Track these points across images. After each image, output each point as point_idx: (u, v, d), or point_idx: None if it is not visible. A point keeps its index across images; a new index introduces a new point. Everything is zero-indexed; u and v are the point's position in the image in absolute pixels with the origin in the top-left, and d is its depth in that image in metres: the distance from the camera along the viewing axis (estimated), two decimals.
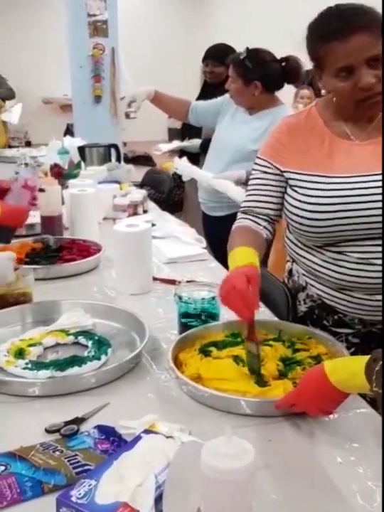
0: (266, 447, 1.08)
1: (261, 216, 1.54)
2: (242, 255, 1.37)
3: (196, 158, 3.29)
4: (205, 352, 1.36)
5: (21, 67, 8.42)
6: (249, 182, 1.60)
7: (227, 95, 2.81)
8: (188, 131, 3.68)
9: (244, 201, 1.58)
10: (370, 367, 0.99)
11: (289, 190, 1.49)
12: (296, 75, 2.59)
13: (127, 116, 3.04)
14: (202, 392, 1.20)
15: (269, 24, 7.05)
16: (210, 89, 3.35)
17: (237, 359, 1.32)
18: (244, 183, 2.55)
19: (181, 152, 3.60)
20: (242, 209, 1.58)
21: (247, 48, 2.62)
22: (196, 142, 3.46)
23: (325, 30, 1.32)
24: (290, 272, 1.66)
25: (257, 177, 1.57)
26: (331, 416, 1.15)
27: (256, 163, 1.58)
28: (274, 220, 1.56)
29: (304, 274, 1.56)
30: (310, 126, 1.48)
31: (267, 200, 1.53)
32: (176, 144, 3.65)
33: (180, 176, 2.82)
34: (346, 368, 1.08)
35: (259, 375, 1.26)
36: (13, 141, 7.73)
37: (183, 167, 2.64)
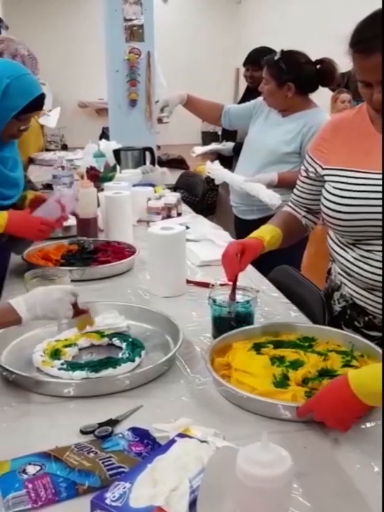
0: (302, 455, 1.06)
1: (302, 207, 1.66)
2: (259, 231, 1.57)
3: (229, 161, 3.28)
4: (258, 347, 1.37)
5: (58, 72, 8.52)
6: (299, 176, 1.65)
7: (260, 98, 2.80)
8: (226, 133, 3.67)
9: (292, 194, 1.68)
10: None
11: (326, 186, 1.50)
12: (330, 77, 2.56)
13: (160, 120, 3.07)
14: (239, 393, 1.19)
15: (305, 27, 6.99)
16: (251, 94, 3.34)
17: (273, 359, 1.32)
18: (276, 186, 2.54)
19: (217, 155, 3.61)
20: (289, 202, 1.70)
21: (282, 50, 2.60)
22: (230, 145, 3.45)
23: (353, 40, 1.30)
24: (329, 270, 1.65)
25: (302, 173, 1.63)
26: (368, 424, 1.13)
27: (305, 159, 1.63)
28: (315, 212, 1.65)
29: (339, 273, 1.55)
30: (356, 122, 1.48)
31: (309, 198, 1.62)
32: (211, 146, 3.65)
33: (213, 179, 2.82)
34: (368, 372, 1.07)
35: (223, 332, 1.41)
36: (49, 144, 7.83)
37: (215, 170, 2.63)
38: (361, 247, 1.43)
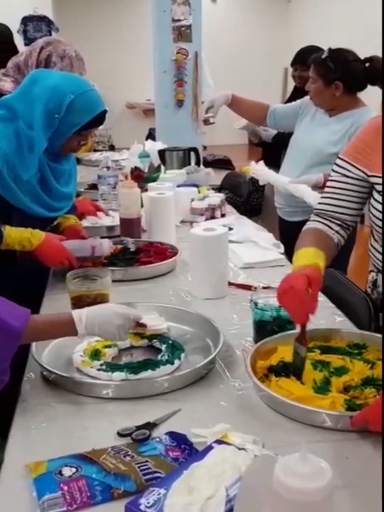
0: (344, 465, 1.03)
1: (334, 220, 1.49)
2: (307, 255, 1.34)
3: (276, 162, 3.24)
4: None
5: (107, 73, 8.62)
6: (328, 183, 1.54)
7: (306, 98, 2.76)
8: None
9: (320, 203, 1.53)
10: None
11: (375, 195, 1.43)
12: (379, 75, 2.48)
13: (206, 121, 3.05)
14: (279, 399, 1.16)
15: (355, 26, 6.86)
16: (299, 94, 3.29)
17: (317, 363, 1.29)
18: (321, 187, 2.49)
19: (263, 150, 3.55)
20: (315, 211, 1.53)
21: (330, 48, 2.55)
22: (271, 132, 3.39)
23: None
24: (374, 282, 1.59)
25: (335, 179, 1.51)
26: None
27: (337, 164, 1.52)
28: (348, 226, 1.50)
29: None
30: None
31: (344, 205, 1.48)
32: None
33: (258, 180, 2.78)
34: None
35: (300, 378, 1.23)
36: (97, 145, 7.92)
37: (260, 171, 2.60)
38: None
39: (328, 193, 1.52)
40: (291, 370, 1.25)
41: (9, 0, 6.94)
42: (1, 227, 1.72)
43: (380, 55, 2.40)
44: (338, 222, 1.49)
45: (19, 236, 1.75)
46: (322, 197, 1.53)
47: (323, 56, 2.53)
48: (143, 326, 1.39)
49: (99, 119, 1.82)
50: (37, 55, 2.26)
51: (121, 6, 8.75)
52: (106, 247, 1.94)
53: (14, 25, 6.41)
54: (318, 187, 2.48)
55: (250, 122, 3.28)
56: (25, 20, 7.01)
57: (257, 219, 3.89)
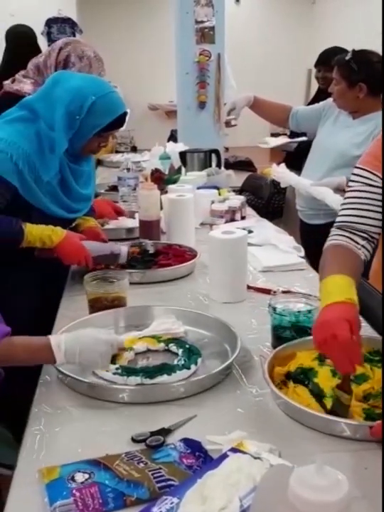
0: (363, 476, 1.00)
1: (359, 233, 1.37)
2: (338, 287, 1.21)
3: (298, 164, 3.21)
4: (324, 357, 1.29)
5: (129, 74, 8.64)
6: (346, 194, 1.44)
7: (329, 100, 2.72)
8: (294, 136, 3.59)
9: (341, 216, 1.42)
10: None
11: None
12: None
13: (228, 123, 3.04)
14: (297, 408, 1.13)
15: (378, 28, 6.78)
16: (323, 96, 3.27)
17: (335, 370, 1.24)
18: (343, 190, 2.45)
19: (286, 154, 3.53)
20: (337, 224, 1.42)
21: (353, 50, 2.52)
22: (292, 144, 3.37)
23: None
24: None
25: (356, 189, 1.40)
26: None
27: (355, 174, 1.42)
28: (373, 238, 1.39)
29: None
30: None
31: (368, 216, 1.37)
32: (283, 139, 3.52)
33: (279, 182, 2.76)
34: None
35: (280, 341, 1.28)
36: (119, 146, 7.93)
37: (281, 173, 2.57)
38: None
39: (349, 203, 1.41)
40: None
41: (34, 2, 7.00)
42: (22, 224, 1.73)
43: None
44: (363, 234, 1.37)
45: (40, 233, 1.75)
46: (343, 209, 1.43)
47: (347, 57, 2.50)
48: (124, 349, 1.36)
49: (120, 120, 1.82)
50: (56, 55, 2.26)
51: (145, 7, 8.76)
52: (124, 254, 1.94)
53: (38, 27, 6.47)
54: (341, 190, 2.44)
55: (274, 124, 3.25)
56: (50, 22, 7.04)
57: (278, 221, 3.85)
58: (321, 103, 2.81)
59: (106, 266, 1.91)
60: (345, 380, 1.16)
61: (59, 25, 6.99)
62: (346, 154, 2.53)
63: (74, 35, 6.99)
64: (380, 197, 1.38)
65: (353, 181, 1.42)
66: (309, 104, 3.45)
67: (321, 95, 3.39)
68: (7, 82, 2.31)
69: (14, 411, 1.44)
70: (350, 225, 1.38)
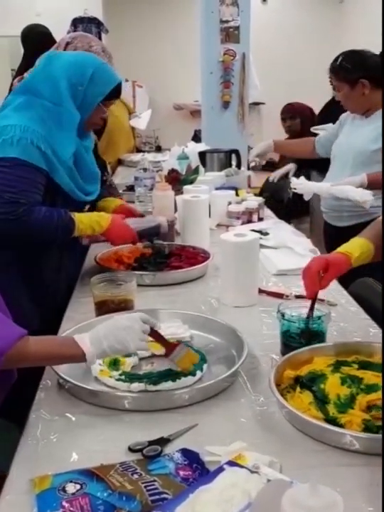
0: (366, 493, 0.95)
1: None
2: (349, 245, 1.46)
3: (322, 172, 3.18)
4: (339, 364, 1.27)
5: (155, 74, 8.63)
6: None
7: (343, 115, 2.76)
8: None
9: None
10: None
11: None
12: None
13: (252, 167, 3.12)
14: (302, 418, 1.08)
15: None
16: (335, 105, 3.25)
17: (346, 379, 1.21)
18: (366, 188, 2.40)
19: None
20: None
21: (343, 52, 2.55)
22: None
23: None
24: None
25: None
26: None
27: None
28: None
29: None
30: None
31: None
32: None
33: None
34: None
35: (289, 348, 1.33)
36: (144, 145, 7.94)
37: (300, 185, 2.53)
38: None
39: None
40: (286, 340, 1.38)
41: (60, 2, 7.03)
42: (71, 214, 1.77)
43: None
44: None
45: (89, 220, 1.81)
46: None
47: (338, 61, 2.52)
48: (175, 345, 1.31)
49: (118, 91, 1.87)
50: (63, 50, 2.25)
51: (170, 7, 8.74)
52: (164, 224, 2.06)
53: (64, 27, 6.50)
54: (363, 188, 2.39)
55: (302, 157, 3.31)
56: (75, 22, 7.05)
57: (300, 222, 3.80)
58: (337, 123, 2.84)
59: (150, 240, 2.04)
60: (311, 308, 1.39)
61: (85, 25, 7.01)
62: (365, 151, 2.51)
63: (100, 35, 7.00)
64: None
65: None
66: (321, 112, 3.66)
67: (333, 105, 3.37)
68: (16, 81, 2.31)
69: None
70: None
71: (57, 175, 1.75)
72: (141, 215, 2.11)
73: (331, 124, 3.50)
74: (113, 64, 2.31)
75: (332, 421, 1.09)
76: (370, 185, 2.39)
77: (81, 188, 1.85)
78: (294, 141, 3.26)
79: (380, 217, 1.57)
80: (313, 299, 1.39)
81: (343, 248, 1.45)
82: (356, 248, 1.44)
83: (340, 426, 1.08)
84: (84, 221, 1.78)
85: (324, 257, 1.43)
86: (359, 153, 2.52)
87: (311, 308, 1.39)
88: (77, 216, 1.78)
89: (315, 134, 3.24)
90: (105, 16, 7.63)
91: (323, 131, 3.06)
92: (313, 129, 3.60)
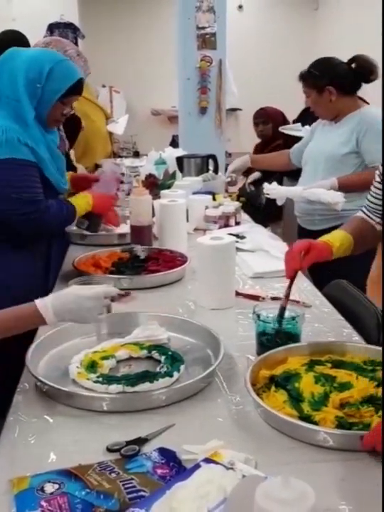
0: (337, 488, 0.97)
1: (376, 213, 1.59)
2: (330, 236, 1.52)
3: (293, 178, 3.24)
4: (313, 363, 1.30)
5: (132, 80, 8.65)
6: (376, 178, 1.59)
7: (314, 123, 2.84)
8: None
9: (367, 199, 1.63)
10: None
11: None
12: (368, 72, 2.51)
13: (228, 182, 3.20)
14: (277, 416, 1.11)
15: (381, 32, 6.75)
16: (307, 112, 3.34)
17: (320, 377, 1.24)
18: (337, 191, 2.45)
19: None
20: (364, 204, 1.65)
21: (314, 61, 2.62)
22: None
23: None
24: None
25: (377, 180, 1.59)
26: None
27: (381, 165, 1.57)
28: None
29: None
30: None
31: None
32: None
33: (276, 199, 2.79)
34: None
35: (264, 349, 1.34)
36: (121, 151, 7.94)
37: (273, 190, 2.58)
38: None
39: (372, 189, 1.61)
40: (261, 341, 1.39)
41: (36, 7, 7.01)
42: (70, 202, 1.95)
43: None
44: (380, 215, 1.58)
45: (80, 202, 1.99)
46: (369, 193, 1.63)
47: (307, 68, 2.60)
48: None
49: (79, 88, 1.91)
50: None
51: (148, 13, 8.77)
52: (115, 168, 2.31)
53: (40, 32, 6.48)
54: (336, 191, 2.44)
55: (278, 170, 3.42)
56: (52, 27, 7.04)
57: (276, 226, 3.84)
58: (309, 129, 2.94)
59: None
60: (288, 286, 1.44)
61: (61, 30, 7.00)
62: (334, 155, 2.56)
63: (76, 40, 7.00)
64: None
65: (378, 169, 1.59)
66: (297, 118, 3.80)
67: (308, 111, 3.45)
68: None
69: None
70: (369, 208, 1.63)
71: (46, 167, 1.83)
72: (96, 179, 2.22)
73: (299, 125, 3.61)
74: (89, 68, 2.33)
75: (306, 418, 1.11)
76: (340, 189, 2.45)
77: (60, 179, 1.94)
78: (269, 155, 3.35)
79: (358, 213, 1.65)
80: (292, 278, 1.44)
81: (324, 238, 1.51)
82: (337, 239, 1.50)
83: (315, 423, 1.10)
84: (79, 204, 1.97)
85: (307, 240, 1.47)
86: (330, 157, 2.57)
87: (290, 287, 1.43)
88: (73, 200, 1.97)
89: (287, 137, 3.29)
90: (82, 21, 7.63)
91: (296, 145, 3.11)
92: (281, 129, 3.71)
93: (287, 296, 1.42)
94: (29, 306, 1.25)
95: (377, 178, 1.58)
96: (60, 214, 1.90)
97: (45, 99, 1.82)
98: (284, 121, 4.13)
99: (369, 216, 1.62)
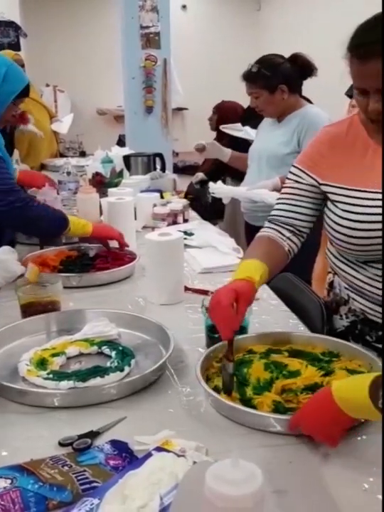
0: (285, 470, 1.01)
1: (286, 226, 1.46)
2: (246, 268, 1.32)
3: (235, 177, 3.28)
4: (270, 352, 1.33)
5: (77, 80, 8.58)
6: (282, 190, 1.52)
7: (261, 123, 2.85)
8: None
9: (274, 210, 1.51)
10: (376, 383, 0.92)
11: (329, 204, 1.41)
12: (310, 69, 2.57)
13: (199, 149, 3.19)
14: (227, 404, 1.14)
15: (325, 34, 6.91)
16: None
17: (269, 365, 1.27)
18: (280, 190, 2.50)
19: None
20: (269, 218, 1.51)
21: (256, 60, 2.62)
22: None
23: (351, 43, 1.22)
24: (331, 284, 1.59)
25: (289, 186, 1.49)
26: (359, 438, 1.07)
27: (291, 172, 1.50)
28: (301, 233, 1.47)
29: (346, 288, 1.48)
30: (352, 136, 1.39)
31: (296, 211, 1.46)
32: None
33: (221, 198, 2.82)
34: (352, 385, 1.01)
35: (230, 395, 1.19)
36: (68, 151, 7.86)
37: (218, 189, 2.61)
38: (374, 266, 1.35)
39: (282, 199, 1.50)
40: (223, 387, 1.20)
41: None
42: (62, 212, 2.01)
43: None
44: (291, 228, 1.47)
45: (78, 224, 2.02)
46: (276, 204, 1.51)
47: (254, 69, 2.59)
48: None
49: (27, 90, 2.03)
50: None
51: (91, 12, 8.72)
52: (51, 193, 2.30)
53: None
54: (278, 190, 2.48)
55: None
56: None
57: (223, 223, 3.89)
58: (247, 132, 3.05)
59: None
60: (228, 348, 1.22)
61: (2, 29, 6.87)
62: (277, 154, 2.61)
63: (18, 39, 6.89)
64: (309, 194, 1.45)
65: (288, 179, 1.51)
66: (243, 121, 3.72)
67: (248, 112, 3.48)
68: None
69: None
70: (279, 219, 1.48)
71: (7, 163, 1.91)
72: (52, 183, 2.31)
73: (239, 124, 3.64)
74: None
75: (247, 402, 1.16)
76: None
77: (13, 177, 2.02)
78: (244, 155, 3.19)
79: (264, 231, 1.49)
80: (231, 339, 1.22)
81: (241, 274, 1.29)
82: (255, 272, 1.30)
83: (253, 407, 1.14)
84: (75, 223, 2.00)
85: (230, 287, 1.24)
86: (272, 156, 2.62)
87: (231, 350, 1.21)
88: (71, 219, 2.00)
89: (230, 137, 3.31)
90: (23, 19, 7.52)
91: (235, 131, 3.15)
92: (221, 127, 3.74)
93: (231, 359, 1.21)
94: None
95: (294, 186, 1.47)
96: (46, 209, 1.96)
97: (1, 100, 1.91)
98: (228, 116, 4.12)
99: (278, 232, 1.46)
